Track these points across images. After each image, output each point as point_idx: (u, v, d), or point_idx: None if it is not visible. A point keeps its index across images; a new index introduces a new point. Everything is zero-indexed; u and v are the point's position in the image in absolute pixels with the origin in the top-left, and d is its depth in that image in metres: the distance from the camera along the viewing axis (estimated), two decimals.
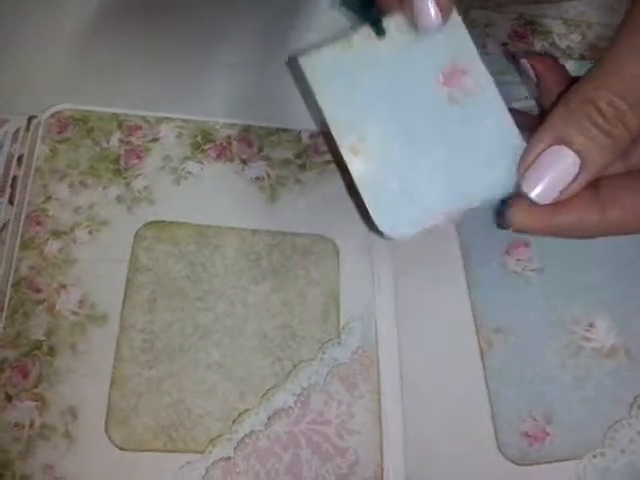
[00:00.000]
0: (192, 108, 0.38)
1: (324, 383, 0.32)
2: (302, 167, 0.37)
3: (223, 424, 0.31)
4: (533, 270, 0.33)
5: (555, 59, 0.30)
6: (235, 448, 0.30)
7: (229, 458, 0.30)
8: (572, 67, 0.41)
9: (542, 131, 0.25)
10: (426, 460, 0.31)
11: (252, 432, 0.30)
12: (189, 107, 0.38)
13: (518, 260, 0.33)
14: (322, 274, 0.34)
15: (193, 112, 0.37)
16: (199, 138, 0.37)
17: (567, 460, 0.29)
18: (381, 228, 0.27)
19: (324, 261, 0.35)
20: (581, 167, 0.24)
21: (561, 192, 0.24)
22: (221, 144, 0.37)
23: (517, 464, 0.30)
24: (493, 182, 0.26)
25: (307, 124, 0.38)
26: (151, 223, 0.34)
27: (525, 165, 0.25)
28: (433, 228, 0.27)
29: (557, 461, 0.29)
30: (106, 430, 0.30)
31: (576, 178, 0.24)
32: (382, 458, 0.31)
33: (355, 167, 0.27)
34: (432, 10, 0.26)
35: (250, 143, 0.37)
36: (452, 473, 0.30)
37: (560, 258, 0.33)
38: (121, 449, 0.30)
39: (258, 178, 0.36)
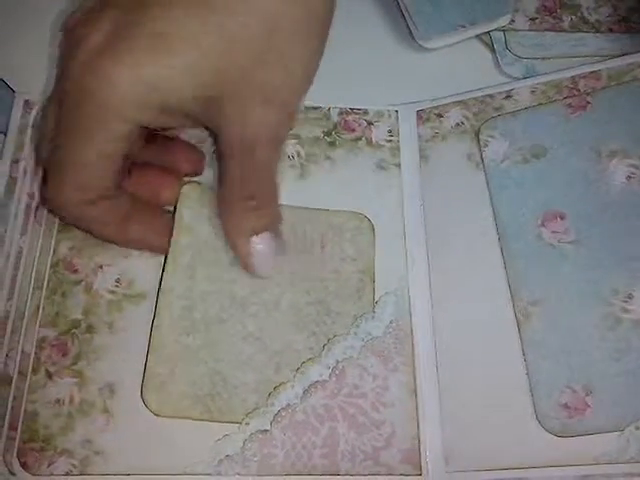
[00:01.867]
0: None
1: (359, 357, 0.32)
2: (332, 144, 0.37)
3: (259, 396, 0.31)
4: (569, 242, 0.32)
5: None
6: (272, 421, 0.30)
7: (266, 431, 0.30)
8: (599, 42, 0.40)
9: None
10: (463, 432, 0.30)
11: (288, 405, 0.31)
12: None
13: (554, 232, 0.33)
14: (357, 250, 0.34)
15: None
16: None
17: (608, 432, 0.29)
18: None
19: (359, 237, 0.34)
20: None
21: None
22: None
23: (557, 436, 0.29)
24: None
25: (336, 101, 0.38)
26: (193, 183, 0.34)
27: None
28: None
29: (598, 433, 0.29)
30: (142, 395, 0.30)
31: None
32: (419, 430, 0.31)
33: None
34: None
35: None
36: (490, 445, 0.30)
37: (596, 229, 0.32)
38: (156, 415, 0.30)
39: (288, 156, 0.36)
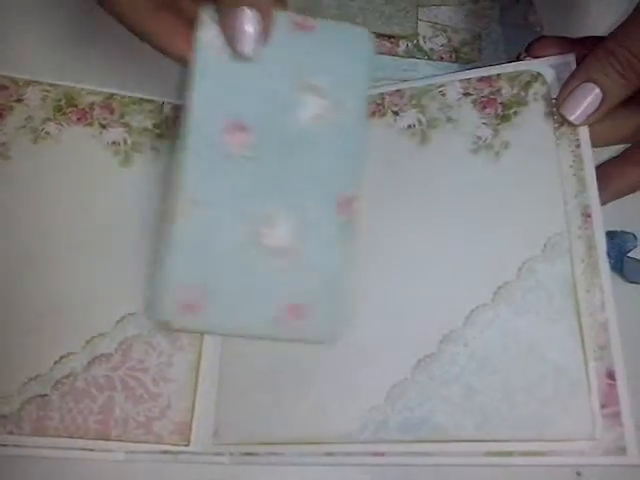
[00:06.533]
0: (62, 74, 0.39)
1: (148, 334, 0.34)
2: (160, 136, 0.39)
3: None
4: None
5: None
6: (52, 387, 0.32)
7: (45, 395, 0.32)
8: (430, 68, 0.44)
9: (576, 72, 0.34)
10: (235, 409, 0.33)
11: (71, 373, 0.33)
12: (59, 73, 0.39)
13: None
14: None
15: (62, 78, 0.39)
16: (63, 102, 0.39)
17: None
18: None
19: None
20: (602, 99, 0.33)
21: (588, 117, 0.33)
22: (83, 109, 0.39)
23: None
24: None
25: (172, 96, 0.40)
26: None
27: (563, 96, 0.34)
28: None
29: None
30: None
31: (599, 107, 0.33)
32: (194, 405, 0.33)
33: None
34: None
35: (112, 110, 0.39)
36: (256, 422, 0.33)
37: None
38: None
39: (114, 143, 0.38)
